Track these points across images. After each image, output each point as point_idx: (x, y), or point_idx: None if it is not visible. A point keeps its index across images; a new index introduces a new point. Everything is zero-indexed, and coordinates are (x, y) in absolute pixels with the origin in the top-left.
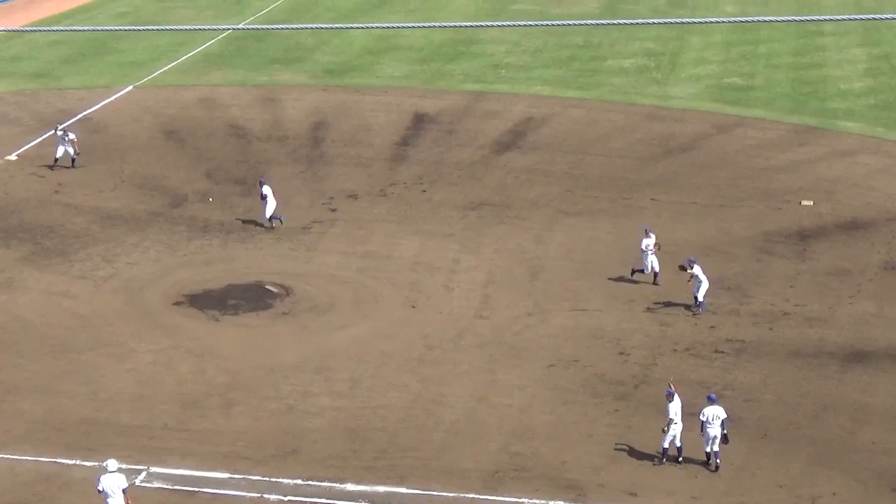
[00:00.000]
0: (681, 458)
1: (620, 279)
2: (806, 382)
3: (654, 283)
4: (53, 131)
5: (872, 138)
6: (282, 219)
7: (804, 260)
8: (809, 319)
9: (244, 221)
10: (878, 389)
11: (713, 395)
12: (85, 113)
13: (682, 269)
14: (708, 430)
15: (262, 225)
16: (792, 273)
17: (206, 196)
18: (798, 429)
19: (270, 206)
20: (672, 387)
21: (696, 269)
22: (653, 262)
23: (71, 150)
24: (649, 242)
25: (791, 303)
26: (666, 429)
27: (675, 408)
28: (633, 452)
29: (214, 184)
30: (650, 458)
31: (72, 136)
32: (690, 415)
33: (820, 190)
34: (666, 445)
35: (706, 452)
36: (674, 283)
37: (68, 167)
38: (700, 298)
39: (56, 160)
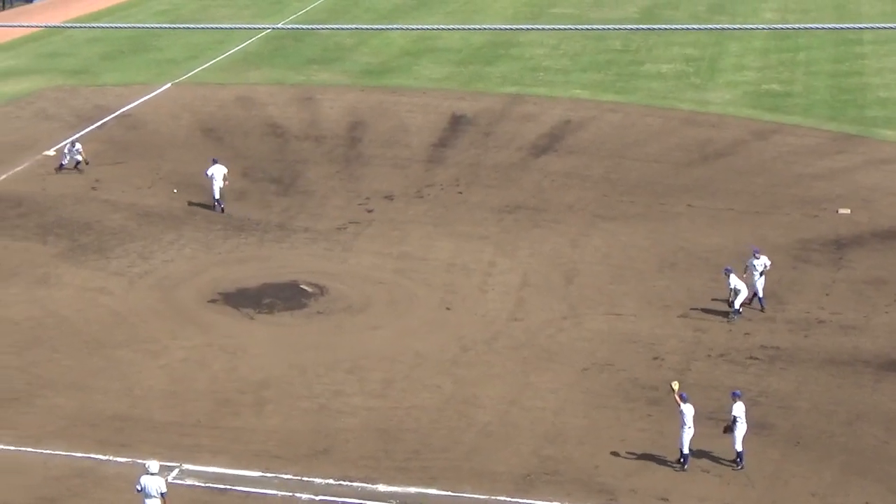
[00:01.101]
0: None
1: (655, 284)
2: (840, 391)
3: (762, 310)
4: (68, 144)
5: None
6: (222, 207)
7: (840, 268)
8: (845, 327)
9: (192, 204)
10: None
11: (738, 392)
12: (123, 110)
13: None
14: (741, 426)
15: (212, 208)
16: (828, 281)
17: (242, 194)
18: (832, 437)
19: (216, 188)
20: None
21: (733, 279)
22: (758, 284)
23: (79, 157)
24: (758, 263)
25: (826, 311)
26: (684, 430)
27: (689, 411)
28: (664, 458)
29: (251, 182)
30: (683, 463)
31: (79, 146)
32: (721, 421)
33: (857, 198)
34: (686, 451)
35: (740, 452)
36: (708, 289)
37: (71, 169)
38: (736, 306)
39: (62, 166)
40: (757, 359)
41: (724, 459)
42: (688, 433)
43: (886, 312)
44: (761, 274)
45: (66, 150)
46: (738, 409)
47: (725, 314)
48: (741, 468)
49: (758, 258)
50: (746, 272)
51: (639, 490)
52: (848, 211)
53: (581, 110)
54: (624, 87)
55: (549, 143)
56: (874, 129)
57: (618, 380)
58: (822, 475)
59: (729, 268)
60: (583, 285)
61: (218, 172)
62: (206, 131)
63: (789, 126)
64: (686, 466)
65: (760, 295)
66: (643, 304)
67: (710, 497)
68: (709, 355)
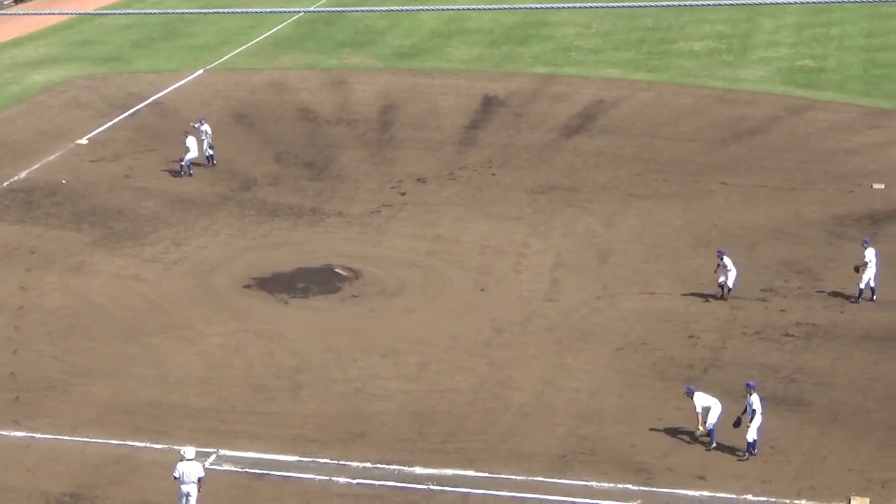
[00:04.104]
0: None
1: (690, 263)
2: (877, 366)
3: (858, 300)
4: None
5: None
6: (191, 171)
7: (876, 243)
8: (881, 302)
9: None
10: None
11: (753, 383)
12: (155, 97)
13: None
14: (757, 417)
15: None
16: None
17: (275, 179)
18: (868, 413)
19: (189, 154)
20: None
21: (726, 261)
22: (871, 276)
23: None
24: (868, 254)
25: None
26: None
27: (700, 400)
28: (701, 436)
29: (284, 167)
30: (719, 441)
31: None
32: (741, 397)
33: (892, 173)
34: (710, 427)
35: (751, 442)
36: (743, 266)
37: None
38: (731, 286)
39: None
40: (793, 336)
41: (759, 439)
42: (714, 412)
43: None
44: (869, 265)
45: (199, 136)
46: (755, 400)
47: (762, 291)
48: (747, 458)
49: (865, 249)
50: (863, 266)
51: (675, 469)
52: (883, 186)
53: (613, 89)
54: (656, 66)
55: (581, 123)
56: None
57: (653, 359)
58: (859, 451)
59: (722, 251)
60: (617, 265)
61: (193, 141)
62: (238, 117)
63: (823, 102)
64: (712, 445)
65: (873, 284)
66: (678, 282)
67: (747, 475)
68: (744, 333)
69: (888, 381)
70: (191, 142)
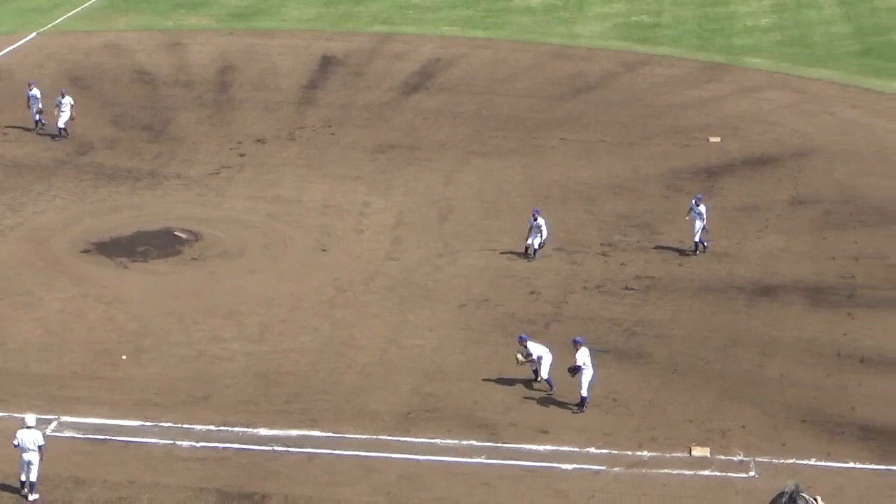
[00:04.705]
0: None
1: (530, 219)
2: (715, 317)
3: (695, 253)
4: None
5: (778, 74)
6: (63, 133)
7: (712, 196)
8: (718, 255)
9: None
10: (785, 323)
11: (580, 338)
12: None
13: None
14: (587, 372)
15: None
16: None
17: (112, 143)
18: (707, 363)
19: (63, 116)
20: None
21: (540, 221)
22: (700, 228)
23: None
24: (702, 209)
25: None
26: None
27: (536, 349)
28: (543, 391)
29: (121, 130)
30: (561, 396)
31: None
32: (602, 352)
33: (727, 126)
34: (545, 376)
35: (584, 397)
36: (583, 222)
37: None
38: (536, 247)
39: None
40: (632, 289)
41: (601, 392)
42: (546, 360)
43: (758, 238)
44: (702, 219)
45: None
46: (583, 355)
47: (602, 245)
48: (581, 412)
49: (699, 205)
50: (689, 216)
51: (519, 423)
52: (718, 139)
53: (451, 47)
54: (493, 23)
55: (420, 81)
56: (741, 58)
57: (495, 315)
58: (699, 401)
59: (537, 210)
60: (457, 222)
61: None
62: (74, 80)
63: (658, 57)
64: (551, 392)
65: (701, 238)
66: (518, 238)
67: (589, 428)
68: (585, 287)
69: (726, 332)
70: (66, 101)
